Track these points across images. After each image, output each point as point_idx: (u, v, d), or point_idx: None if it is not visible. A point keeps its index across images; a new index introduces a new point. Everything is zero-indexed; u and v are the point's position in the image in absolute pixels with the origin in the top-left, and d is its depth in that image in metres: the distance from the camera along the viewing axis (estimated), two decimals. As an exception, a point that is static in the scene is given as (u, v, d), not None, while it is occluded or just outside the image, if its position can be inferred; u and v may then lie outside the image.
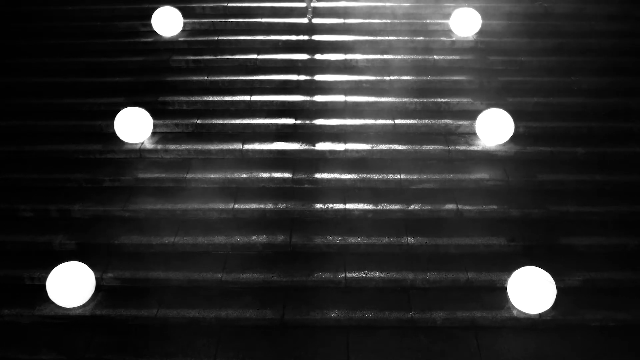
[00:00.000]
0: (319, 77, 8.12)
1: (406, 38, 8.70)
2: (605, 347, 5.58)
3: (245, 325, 5.77)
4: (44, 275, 5.89)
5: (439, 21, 9.00)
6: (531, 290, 5.63)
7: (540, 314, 5.75)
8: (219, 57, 8.48)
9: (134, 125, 7.21)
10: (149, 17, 8.84)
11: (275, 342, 5.64)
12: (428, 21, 9.02)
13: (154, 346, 5.61)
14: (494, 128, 7.18)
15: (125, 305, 5.89)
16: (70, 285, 5.71)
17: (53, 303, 5.85)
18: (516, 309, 5.80)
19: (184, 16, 8.97)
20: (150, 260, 6.26)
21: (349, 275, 6.06)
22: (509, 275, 5.88)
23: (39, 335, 5.74)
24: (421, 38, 8.71)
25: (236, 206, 6.65)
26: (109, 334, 5.74)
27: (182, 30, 8.98)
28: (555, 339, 5.67)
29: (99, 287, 6.06)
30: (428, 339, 5.68)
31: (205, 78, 8.15)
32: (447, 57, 8.42)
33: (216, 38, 8.76)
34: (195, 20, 9.09)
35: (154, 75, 8.23)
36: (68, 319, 5.80)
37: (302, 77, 8.12)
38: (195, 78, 8.17)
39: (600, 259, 6.25)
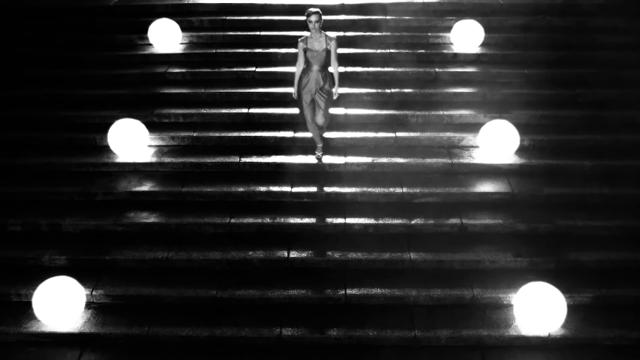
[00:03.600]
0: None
1: (407, 51, 8.54)
2: (618, 368, 5.32)
3: (241, 344, 5.51)
4: (31, 291, 5.64)
5: (441, 34, 8.87)
6: (540, 308, 5.37)
7: (549, 333, 5.48)
8: (217, 69, 8.34)
9: (128, 138, 7.03)
10: (146, 31, 8.73)
11: (272, 363, 5.40)
12: (429, 34, 8.88)
13: (143, 363, 5.38)
14: (499, 141, 6.99)
15: (115, 323, 5.64)
16: (59, 301, 5.45)
17: (40, 320, 5.61)
18: (524, 327, 5.54)
19: (182, 29, 8.86)
20: (143, 276, 6.03)
21: (349, 292, 5.81)
22: (515, 292, 5.63)
23: (24, 353, 5.47)
24: (422, 51, 8.56)
25: (232, 220, 6.43)
26: (98, 352, 5.48)
27: (180, 43, 8.87)
28: (567, 358, 5.40)
29: (88, 304, 5.81)
30: (432, 358, 5.41)
31: (203, 91, 8.00)
32: (449, 70, 8.27)
33: (214, 51, 8.65)
34: (193, 34, 8.98)
35: (150, 88, 8.10)
36: (55, 337, 5.55)
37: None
38: (192, 91, 8.02)
39: (610, 275, 6.00)
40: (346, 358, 5.39)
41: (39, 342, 5.57)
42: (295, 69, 6.73)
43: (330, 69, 6.70)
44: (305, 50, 6.55)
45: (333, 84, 6.74)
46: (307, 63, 6.61)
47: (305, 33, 6.63)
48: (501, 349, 5.49)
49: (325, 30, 6.64)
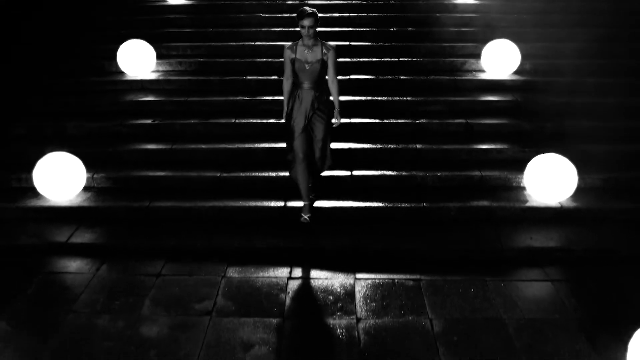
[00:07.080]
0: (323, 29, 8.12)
1: (408, 1, 8.80)
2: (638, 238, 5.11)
3: (243, 219, 5.37)
4: (31, 176, 5.52)
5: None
6: (550, 176, 5.26)
7: (561, 204, 5.33)
8: (223, 15, 8.55)
9: (136, 56, 7.15)
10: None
11: (276, 228, 5.24)
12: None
13: (140, 232, 5.21)
14: (501, 59, 7.08)
15: (115, 199, 5.53)
16: (59, 173, 5.36)
17: (39, 197, 5.49)
18: (536, 199, 5.40)
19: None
20: (145, 165, 5.95)
21: (355, 173, 5.71)
22: (523, 175, 5.54)
23: (21, 227, 5.32)
24: (423, 1, 8.80)
25: (237, 121, 6.42)
26: (97, 227, 5.30)
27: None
28: (582, 230, 5.21)
29: (88, 188, 5.70)
30: (442, 228, 5.23)
31: (210, 30, 8.19)
32: (450, 15, 8.47)
33: (222, 2, 8.88)
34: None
35: (158, 29, 8.26)
36: (53, 211, 5.42)
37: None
38: (199, 30, 8.22)
39: (621, 164, 5.90)
40: (355, 228, 5.22)
41: (36, 218, 5.44)
42: (283, 85, 5.09)
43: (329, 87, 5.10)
44: (292, 61, 4.92)
45: (333, 107, 5.15)
46: (297, 79, 4.96)
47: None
48: (514, 222, 5.31)
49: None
